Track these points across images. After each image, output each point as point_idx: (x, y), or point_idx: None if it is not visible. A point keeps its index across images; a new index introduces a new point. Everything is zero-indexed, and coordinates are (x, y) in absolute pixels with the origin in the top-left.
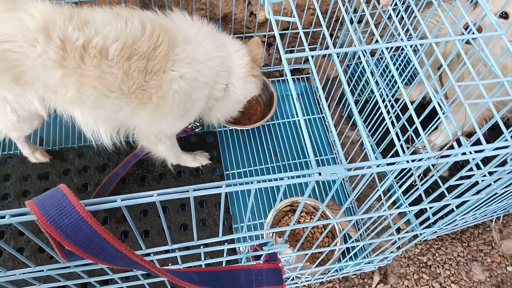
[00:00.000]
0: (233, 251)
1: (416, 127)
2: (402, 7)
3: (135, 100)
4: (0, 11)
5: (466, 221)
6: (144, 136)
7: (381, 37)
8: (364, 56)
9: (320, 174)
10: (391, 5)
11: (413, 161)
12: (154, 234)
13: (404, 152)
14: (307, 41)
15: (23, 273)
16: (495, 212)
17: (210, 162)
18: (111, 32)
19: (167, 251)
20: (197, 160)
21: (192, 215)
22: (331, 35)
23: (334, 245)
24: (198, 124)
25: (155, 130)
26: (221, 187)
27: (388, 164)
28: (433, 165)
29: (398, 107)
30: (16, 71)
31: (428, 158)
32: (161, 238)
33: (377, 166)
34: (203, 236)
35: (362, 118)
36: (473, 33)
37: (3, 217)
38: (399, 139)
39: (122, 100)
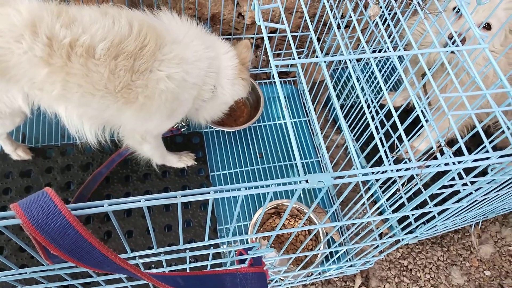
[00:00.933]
0: (218, 254)
1: (400, 134)
2: (389, 14)
3: (121, 99)
4: None
5: (447, 226)
6: (130, 135)
7: (367, 42)
8: (351, 62)
9: (307, 181)
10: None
11: (398, 170)
12: (138, 235)
13: (387, 157)
14: (294, 45)
15: (5, 276)
16: (475, 217)
17: (196, 163)
18: (98, 30)
19: (153, 255)
20: (183, 160)
21: (178, 220)
22: (318, 39)
23: (318, 249)
24: (184, 124)
25: (140, 130)
26: (209, 193)
27: (373, 173)
28: (416, 174)
29: (383, 113)
30: (1, 66)
31: (413, 168)
32: (144, 238)
33: (362, 175)
34: (188, 237)
35: (347, 122)
36: (457, 45)
37: None
38: (383, 145)
39: (108, 99)
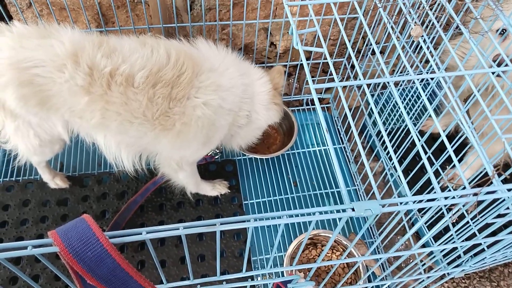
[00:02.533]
0: (252, 286)
1: (445, 159)
2: (428, 38)
3: (158, 126)
4: (33, 37)
5: (495, 259)
6: (166, 163)
7: (405, 68)
8: (396, 87)
9: (353, 210)
10: (422, 37)
11: (449, 198)
12: (171, 265)
13: (437, 185)
14: (328, 72)
15: None
16: None
17: (229, 191)
18: (137, 60)
19: (189, 286)
20: (216, 188)
21: (217, 249)
22: (352, 67)
23: (359, 284)
24: (217, 151)
25: (177, 157)
26: (249, 221)
27: (428, 200)
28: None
29: (423, 139)
30: (43, 95)
31: (468, 194)
32: (177, 269)
33: (413, 203)
34: (221, 268)
35: (384, 150)
36: (506, 65)
37: (25, 247)
38: (425, 172)
39: (146, 126)
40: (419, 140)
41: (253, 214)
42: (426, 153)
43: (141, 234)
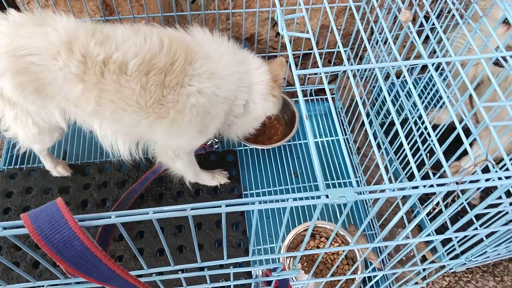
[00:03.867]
0: (248, 275)
1: (445, 150)
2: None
3: (152, 114)
4: (29, 25)
5: (499, 254)
6: (162, 152)
7: (408, 59)
8: (381, 74)
9: (327, 197)
10: (415, 25)
11: (427, 186)
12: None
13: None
14: (332, 62)
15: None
16: None
17: (229, 181)
18: (130, 47)
19: (171, 272)
20: (216, 178)
21: (193, 237)
22: (357, 55)
23: (352, 273)
24: (217, 140)
25: (173, 146)
26: (221, 206)
27: (400, 189)
28: (462, 192)
29: (426, 130)
30: (39, 83)
31: (450, 183)
32: (175, 257)
33: (390, 190)
34: (219, 257)
35: (388, 139)
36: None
37: None
38: (425, 164)
39: (140, 114)
40: (415, 135)
41: (229, 200)
42: (424, 143)
43: (110, 218)
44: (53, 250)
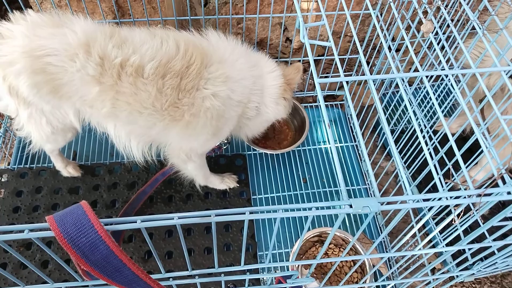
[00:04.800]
0: (256, 281)
1: (455, 161)
2: (443, 36)
3: (167, 117)
4: (47, 26)
5: (508, 265)
6: (175, 154)
7: (420, 66)
8: (403, 84)
9: (351, 206)
10: (432, 33)
11: (452, 198)
12: (178, 256)
13: (442, 186)
14: (342, 68)
15: None
16: None
17: (238, 185)
18: (147, 51)
19: (187, 276)
20: (225, 182)
21: (213, 241)
22: (367, 63)
23: (363, 283)
24: (226, 141)
25: (186, 148)
26: (245, 213)
27: (424, 200)
28: (473, 204)
29: (437, 139)
30: (55, 84)
31: (469, 196)
32: (184, 260)
33: (413, 201)
34: (227, 261)
35: (397, 148)
36: None
37: (22, 231)
38: (437, 173)
39: (155, 117)
40: (426, 144)
41: (253, 207)
42: (437, 153)
43: (136, 222)
44: (79, 253)
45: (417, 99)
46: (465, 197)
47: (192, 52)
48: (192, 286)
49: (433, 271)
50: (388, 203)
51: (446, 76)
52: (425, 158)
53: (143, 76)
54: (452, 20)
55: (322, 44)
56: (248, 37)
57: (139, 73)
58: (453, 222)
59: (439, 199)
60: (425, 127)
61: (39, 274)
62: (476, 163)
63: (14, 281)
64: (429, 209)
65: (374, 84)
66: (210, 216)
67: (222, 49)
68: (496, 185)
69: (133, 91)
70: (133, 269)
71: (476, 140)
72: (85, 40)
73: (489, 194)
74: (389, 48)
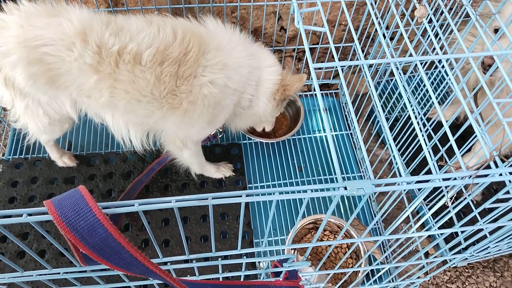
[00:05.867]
0: (252, 266)
1: (449, 147)
2: (437, 23)
3: (165, 105)
4: (42, 16)
5: (500, 249)
6: (171, 141)
7: (414, 53)
8: (397, 70)
9: (346, 188)
10: (426, 18)
11: (445, 180)
12: (174, 244)
13: (436, 173)
14: (337, 56)
15: (39, 275)
16: None
17: (234, 174)
18: (145, 38)
19: (185, 261)
20: (221, 171)
21: (210, 225)
22: (362, 51)
23: (358, 267)
24: (220, 130)
25: (182, 135)
26: (241, 196)
27: (418, 182)
28: (465, 187)
29: (430, 125)
30: (52, 74)
31: (462, 177)
32: (181, 248)
33: (407, 183)
34: (223, 249)
35: (391, 136)
36: None
37: (20, 215)
38: (431, 159)
39: (154, 105)
40: (420, 130)
41: (248, 190)
42: (430, 140)
43: (134, 205)
44: (77, 236)
45: (411, 87)
46: (457, 179)
47: (189, 39)
48: (189, 270)
49: (426, 256)
50: (384, 185)
51: (440, 62)
52: (419, 145)
53: (141, 63)
54: (445, 6)
55: (316, 30)
56: (242, 26)
57: (137, 60)
58: (446, 204)
59: (432, 180)
60: (419, 114)
61: (35, 264)
62: (469, 149)
63: (13, 267)
64: (419, 190)
65: (369, 71)
66: (207, 199)
67: (220, 36)
68: (489, 167)
69: (131, 79)
70: (132, 252)
71: (469, 127)
72: (81, 29)
73: (483, 176)
74: (384, 36)
